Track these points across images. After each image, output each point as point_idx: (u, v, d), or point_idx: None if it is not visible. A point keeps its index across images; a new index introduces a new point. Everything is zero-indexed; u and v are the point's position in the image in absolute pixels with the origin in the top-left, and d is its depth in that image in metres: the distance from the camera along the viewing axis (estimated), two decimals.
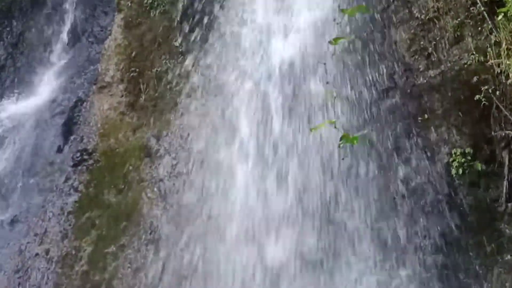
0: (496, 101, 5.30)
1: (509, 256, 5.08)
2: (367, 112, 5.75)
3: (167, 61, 7.66)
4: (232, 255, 5.84)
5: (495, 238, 5.16)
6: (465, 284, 5.19)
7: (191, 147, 6.96)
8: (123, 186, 7.41)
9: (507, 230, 5.17)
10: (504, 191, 5.27)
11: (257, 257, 5.68)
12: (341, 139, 3.03)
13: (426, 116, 5.67)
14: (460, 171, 5.37)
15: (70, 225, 7.43)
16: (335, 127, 3.15)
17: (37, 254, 7.33)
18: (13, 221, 7.71)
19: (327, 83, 5.54)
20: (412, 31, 5.99)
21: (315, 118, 5.37)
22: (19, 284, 7.18)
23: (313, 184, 5.65)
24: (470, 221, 5.32)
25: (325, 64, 5.38)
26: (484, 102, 5.36)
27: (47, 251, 7.32)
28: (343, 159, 5.28)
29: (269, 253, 5.60)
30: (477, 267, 5.18)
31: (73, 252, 7.23)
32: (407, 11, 6.07)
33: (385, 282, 5.47)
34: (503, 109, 5.28)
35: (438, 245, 5.36)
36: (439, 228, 5.41)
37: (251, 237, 5.85)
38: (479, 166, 5.37)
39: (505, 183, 5.25)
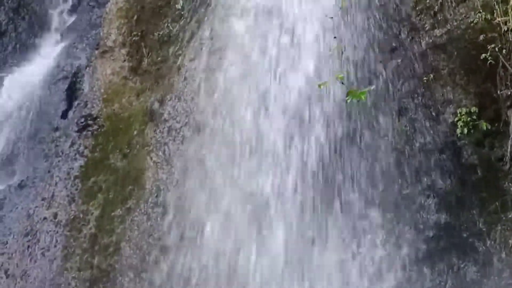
0: (503, 60, 5.24)
1: None
2: (371, 72, 5.69)
3: (169, 25, 7.55)
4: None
5: (499, 196, 5.18)
6: (468, 241, 5.23)
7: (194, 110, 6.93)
8: (128, 151, 7.41)
9: (511, 189, 5.19)
10: (509, 149, 5.26)
11: None
12: (347, 94, 2.99)
13: (431, 76, 5.61)
14: (465, 130, 5.35)
15: (76, 189, 7.47)
16: (342, 83, 3.10)
17: (45, 218, 7.39)
18: (20, 186, 7.76)
19: (335, 37, 5.46)
20: None
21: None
22: (28, 247, 7.26)
23: (313, 145, 5.63)
24: (474, 180, 5.33)
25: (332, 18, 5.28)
26: (490, 60, 5.30)
27: (55, 215, 7.38)
28: (348, 114, 5.25)
29: None
30: (480, 225, 5.21)
31: (81, 215, 7.29)
32: None
33: (387, 241, 5.51)
34: (509, 67, 5.22)
35: (441, 204, 5.38)
36: (443, 187, 5.42)
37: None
38: (484, 125, 5.35)
39: (510, 142, 5.23)
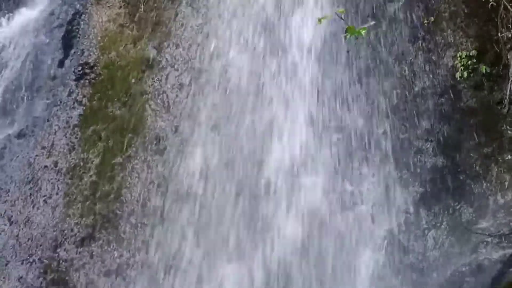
0: (504, 1, 5.13)
1: (509, 156, 5.13)
2: (371, 15, 5.57)
3: None
4: None
5: (496, 139, 5.19)
6: (465, 184, 5.27)
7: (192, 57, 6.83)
8: (126, 99, 7.35)
9: (509, 132, 5.19)
10: (508, 93, 5.23)
11: None
12: (346, 31, 2.92)
13: (432, 19, 5.51)
14: (465, 74, 5.30)
15: (76, 138, 7.45)
16: (341, 19, 3.03)
17: (46, 166, 7.40)
18: (20, 135, 7.72)
19: None
20: None
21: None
22: (30, 194, 7.30)
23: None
24: (472, 123, 5.32)
25: None
26: (491, 2, 5.19)
27: (55, 163, 7.39)
28: (348, 52, 5.18)
29: None
30: (477, 168, 5.24)
31: (81, 163, 7.30)
32: None
33: (384, 186, 5.55)
34: (511, 9, 5.11)
35: (439, 147, 5.39)
36: (441, 131, 5.41)
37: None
38: (484, 68, 5.29)
39: (509, 85, 5.20)
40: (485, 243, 4.79)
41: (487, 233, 4.77)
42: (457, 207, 5.20)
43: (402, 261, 5.15)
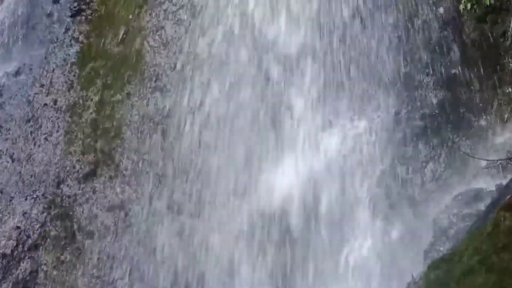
0: None
1: (510, 89, 5.12)
2: None
3: None
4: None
5: (498, 71, 5.15)
6: (464, 117, 5.28)
7: None
8: (124, 36, 7.23)
9: (510, 64, 5.15)
10: (511, 25, 5.14)
11: None
12: None
13: None
14: (468, 5, 5.18)
15: (74, 75, 7.38)
16: None
17: (45, 104, 7.38)
18: (18, 73, 7.65)
19: None
20: None
21: None
22: (31, 132, 7.32)
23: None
24: (474, 56, 5.27)
25: None
26: None
27: (54, 101, 7.36)
28: None
29: None
30: (477, 100, 5.24)
31: (81, 101, 7.27)
32: None
33: (385, 119, 5.55)
34: None
35: (440, 81, 5.36)
36: (442, 64, 5.36)
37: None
38: (487, 0, 5.17)
39: None
40: (482, 173, 4.85)
41: (484, 164, 4.83)
42: (456, 140, 5.23)
43: (400, 193, 5.23)
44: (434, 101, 5.37)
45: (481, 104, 5.19)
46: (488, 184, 4.73)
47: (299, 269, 5.30)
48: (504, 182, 4.48)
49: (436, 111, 5.34)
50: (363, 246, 4.99)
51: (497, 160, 4.87)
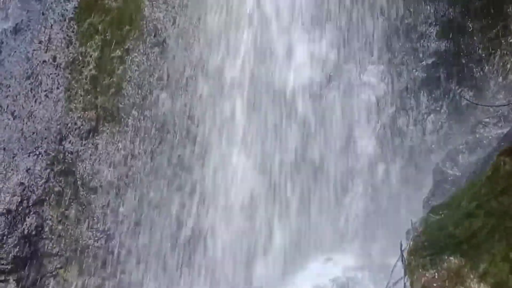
0: None
1: None
2: None
3: None
4: None
5: (501, 21, 5.08)
6: (466, 68, 5.25)
7: None
8: None
9: None
10: None
11: None
12: None
13: None
14: None
15: (73, 31, 7.29)
16: None
17: (44, 61, 7.31)
18: (16, 30, 7.54)
19: None
20: None
21: None
22: (31, 89, 7.28)
23: None
24: (478, 5, 5.19)
25: None
26: None
27: (54, 58, 7.29)
28: None
29: None
30: (480, 51, 5.19)
31: (80, 58, 7.21)
32: None
33: (387, 71, 5.52)
34: None
35: (443, 31, 5.29)
36: (445, 14, 5.29)
37: None
38: None
39: None
40: (483, 123, 4.85)
41: (486, 114, 4.82)
42: (458, 91, 5.21)
43: (400, 144, 5.25)
44: (437, 52, 5.32)
45: (483, 54, 5.15)
46: (489, 133, 4.74)
47: None
48: (505, 130, 4.49)
49: (438, 62, 5.30)
50: (362, 196, 5.06)
51: (498, 114, 4.87)
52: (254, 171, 5.64)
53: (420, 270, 3.17)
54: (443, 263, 3.10)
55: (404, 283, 3.72)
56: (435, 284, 3.11)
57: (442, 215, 3.41)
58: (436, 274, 3.11)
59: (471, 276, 3.01)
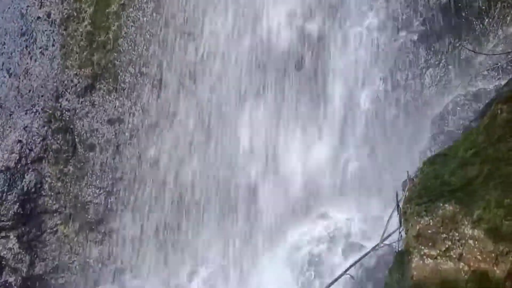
0: None
1: None
2: None
3: None
4: None
5: None
6: (466, 21, 5.18)
7: None
8: None
9: None
10: None
11: None
12: None
13: None
14: None
15: None
16: None
17: (39, 18, 7.21)
18: None
19: None
20: None
21: None
22: (26, 46, 7.21)
23: None
24: None
25: None
26: None
27: (48, 14, 7.19)
28: None
29: None
30: (480, 4, 5.12)
31: (75, 13, 7.11)
32: None
33: (385, 25, 5.46)
34: None
35: None
36: None
37: None
38: None
39: None
40: (481, 76, 4.83)
41: (484, 67, 4.80)
42: (457, 45, 5.16)
43: (398, 98, 5.24)
44: (437, 5, 5.25)
45: (484, 7, 5.08)
46: (487, 86, 4.73)
47: None
48: (503, 83, 4.47)
49: (439, 15, 5.23)
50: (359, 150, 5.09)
51: (497, 66, 4.84)
52: None
53: (416, 217, 3.21)
54: (438, 210, 3.14)
55: (400, 233, 3.78)
56: (429, 231, 3.16)
57: (438, 164, 3.43)
58: (431, 221, 3.15)
59: (465, 222, 3.05)
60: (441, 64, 5.16)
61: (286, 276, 4.96)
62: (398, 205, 3.75)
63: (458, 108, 4.67)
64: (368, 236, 4.89)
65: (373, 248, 4.38)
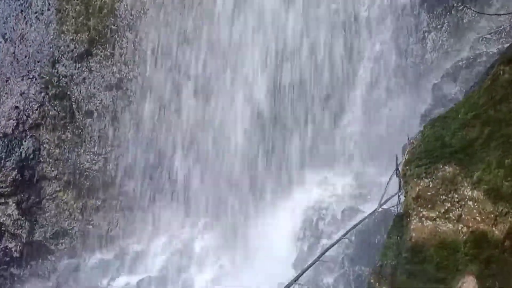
0: None
1: None
2: None
3: None
4: None
5: None
6: None
7: None
8: None
9: None
10: None
11: None
12: None
13: None
14: None
15: None
16: None
17: None
18: None
19: None
20: None
21: None
22: (21, 11, 7.11)
23: None
24: None
25: None
26: None
27: None
28: None
29: None
30: None
31: None
32: None
33: None
34: None
35: None
36: None
37: None
38: None
39: None
40: (484, 40, 4.77)
41: (487, 30, 4.73)
42: (460, 8, 5.08)
43: (399, 64, 5.19)
44: None
45: None
46: (490, 49, 4.67)
47: None
48: (506, 46, 4.42)
49: None
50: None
51: (500, 29, 4.77)
52: None
53: (415, 179, 3.21)
54: (438, 172, 3.13)
55: (399, 196, 3.79)
56: (429, 193, 3.16)
57: (439, 127, 3.41)
58: (431, 182, 3.15)
59: (465, 184, 3.05)
60: (443, 28, 5.09)
61: (284, 241, 5.02)
62: (397, 168, 3.75)
63: (460, 72, 4.63)
64: (366, 200, 4.92)
65: (373, 212, 4.41)
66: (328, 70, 5.29)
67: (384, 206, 4.24)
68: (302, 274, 4.15)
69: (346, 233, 4.44)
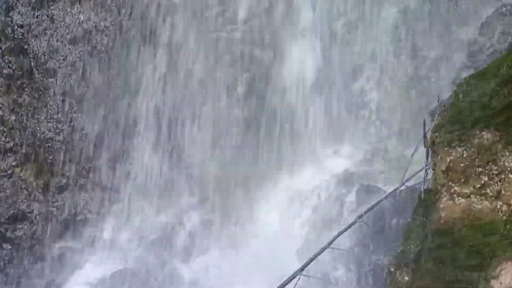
0: None
1: None
2: None
3: None
4: None
5: None
6: None
7: None
8: None
9: None
10: None
11: None
12: None
13: None
14: None
15: None
16: None
17: None
18: None
19: None
20: None
21: None
22: None
23: None
24: None
25: None
26: None
27: None
28: None
29: None
30: None
31: None
32: None
33: None
34: None
35: None
36: None
37: None
38: None
39: None
40: None
41: None
42: None
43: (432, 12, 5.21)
44: None
45: None
46: None
47: None
48: None
49: None
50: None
51: None
52: None
53: (446, 148, 3.22)
54: (474, 139, 3.14)
55: (426, 170, 3.80)
56: (462, 164, 3.17)
57: (475, 85, 3.41)
58: (465, 152, 3.16)
59: (506, 153, 3.06)
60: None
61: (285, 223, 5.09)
62: (425, 135, 3.75)
63: (501, 19, 4.60)
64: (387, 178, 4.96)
65: (394, 190, 4.44)
66: None
67: (408, 184, 4.26)
68: (309, 263, 4.18)
69: (362, 215, 4.48)
